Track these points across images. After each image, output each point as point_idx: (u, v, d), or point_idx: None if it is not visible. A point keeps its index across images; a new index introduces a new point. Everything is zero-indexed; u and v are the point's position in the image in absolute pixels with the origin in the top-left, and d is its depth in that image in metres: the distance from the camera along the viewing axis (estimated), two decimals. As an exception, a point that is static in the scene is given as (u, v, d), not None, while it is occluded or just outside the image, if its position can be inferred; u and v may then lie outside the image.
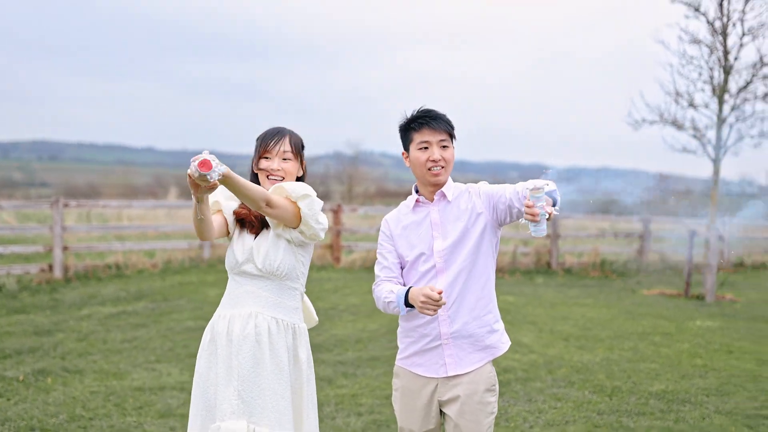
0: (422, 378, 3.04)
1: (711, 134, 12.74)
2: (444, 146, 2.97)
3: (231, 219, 3.07)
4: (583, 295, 11.46)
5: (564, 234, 15.46)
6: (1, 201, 13.82)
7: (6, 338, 7.36)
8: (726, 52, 12.30)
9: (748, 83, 12.39)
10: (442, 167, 2.97)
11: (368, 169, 39.85)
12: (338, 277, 12.16)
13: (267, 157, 3.02)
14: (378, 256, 3.12)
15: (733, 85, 12.51)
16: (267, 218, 2.94)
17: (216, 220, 2.99)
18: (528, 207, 2.60)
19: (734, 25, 12.23)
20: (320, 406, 5.29)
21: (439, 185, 3.01)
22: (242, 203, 3.07)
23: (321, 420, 5.01)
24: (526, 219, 2.65)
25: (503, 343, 3.08)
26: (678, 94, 12.92)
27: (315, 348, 2.97)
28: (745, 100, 12.53)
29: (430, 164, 2.96)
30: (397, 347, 3.18)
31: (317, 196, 2.98)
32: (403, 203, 3.14)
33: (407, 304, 2.88)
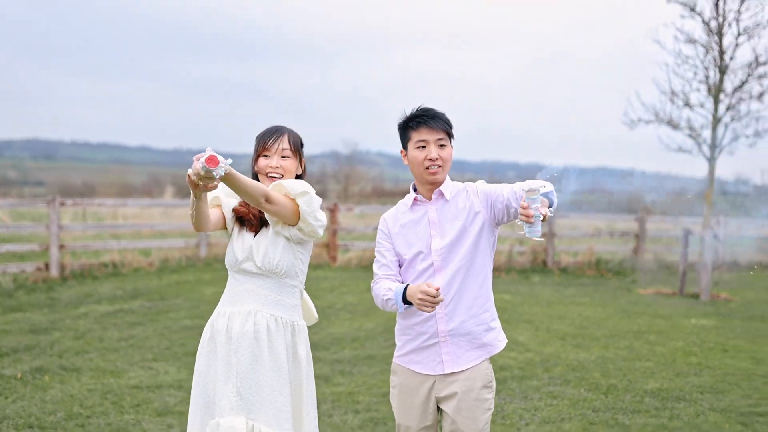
0: (420, 375, 3.06)
1: (706, 134, 12.79)
2: (442, 145, 2.99)
3: (230, 216, 3.09)
4: (579, 293, 11.50)
5: (560, 233, 15.50)
6: (-3, 199, 13.81)
7: (3, 336, 7.36)
8: (721, 52, 12.35)
9: (743, 83, 12.44)
10: (440, 166, 2.99)
11: (364, 168, 39.83)
12: (335, 276, 12.18)
13: (266, 155, 3.04)
14: (376, 254, 3.14)
15: (728, 85, 12.56)
16: (266, 216, 2.96)
17: (213, 213, 3.02)
18: (523, 208, 2.62)
19: (730, 24, 12.27)
20: (318, 404, 5.30)
21: (436, 184, 3.03)
22: (242, 201, 3.09)
23: (318, 418, 5.02)
24: (521, 220, 2.66)
25: (500, 341, 3.10)
26: (674, 93, 12.96)
27: (312, 346, 2.98)
28: (741, 99, 12.57)
29: (427, 163, 2.98)
30: (393, 345, 3.20)
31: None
32: (401, 202, 3.16)
33: (405, 301, 2.90)
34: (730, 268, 14.80)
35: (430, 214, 3.04)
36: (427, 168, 2.98)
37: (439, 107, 3.04)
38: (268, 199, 2.81)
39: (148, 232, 15.36)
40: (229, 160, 2.60)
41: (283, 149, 3.04)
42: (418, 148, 3.00)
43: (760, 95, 12.50)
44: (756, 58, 12.30)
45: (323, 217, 2.98)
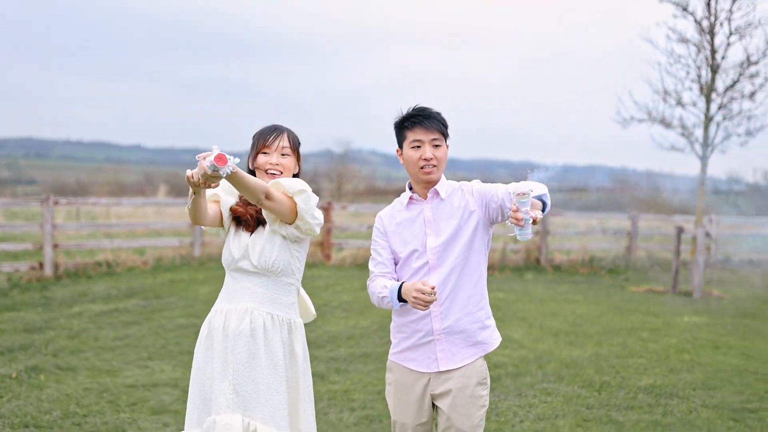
0: (415, 372, 3.09)
1: (699, 132, 12.87)
2: (436, 145, 3.02)
3: (227, 215, 3.12)
4: (572, 291, 11.55)
5: (553, 231, 15.56)
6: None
7: (-2, 336, 7.36)
8: (713, 51, 12.42)
9: (735, 82, 12.52)
10: (434, 166, 3.01)
11: (357, 167, 39.87)
12: (329, 275, 12.20)
13: (266, 152, 3.07)
14: (372, 252, 3.16)
15: (720, 84, 12.64)
16: (263, 214, 2.99)
17: (211, 209, 3.05)
18: (513, 211, 2.64)
19: (721, 24, 12.35)
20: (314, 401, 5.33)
21: (431, 183, 3.05)
22: (238, 201, 3.12)
23: (315, 415, 5.05)
24: (511, 223, 2.69)
25: (494, 339, 3.13)
26: (666, 92, 13.03)
27: (308, 345, 3.01)
28: (732, 98, 12.66)
29: (422, 163, 3.00)
30: (389, 343, 3.23)
31: None
32: (397, 200, 3.18)
33: (400, 299, 2.93)
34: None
35: (425, 213, 3.07)
36: (422, 168, 3.01)
37: (432, 106, 3.07)
38: (268, 196, 2.83)
39: (142, 231, 15.35)
40: (237, 159, 2.63)
41: (283, 147, 3.07)
42: (413, 147, 3.02)
43: (752, 94, 12.59)
44: (747, 58, 12.38)
45: (320, 215, 3.01)
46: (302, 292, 3.22)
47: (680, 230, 12.16)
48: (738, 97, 12.64)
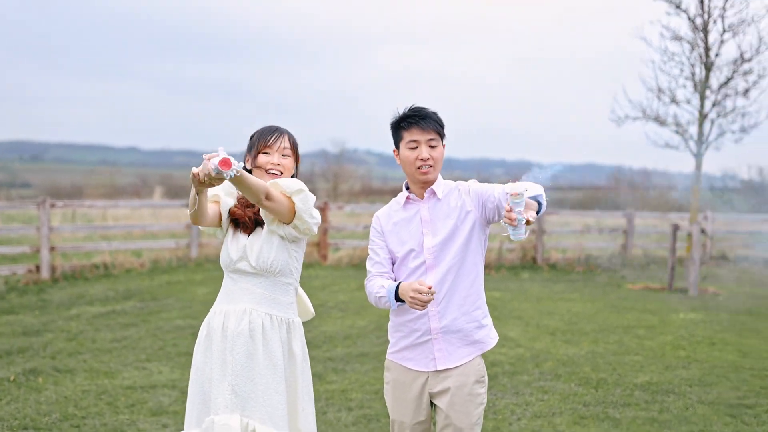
0: (413, 371, 3.10)
1: (693, 130, 12.90)
2: (433, 145, 3.03)
3: (226, 216, 3.14)
4: (568, 289, 11.58)
5: (549, 230, 15.59)
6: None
7: (-5, 339, 7.36)
8: (707, 49, 12.46)
9: (729, 79, 12.55)
10: (431, 166, 3.03)
11: (353, 167, 39.89)
12: (326, 275, 12.22)
13: (267, 153, 3.09)
14: (369, 251, 3.18)
15: (714, 81, 12.67)
16: (261, 214, 3.01)
17: (211, 209, 3.07)
18: (507, 211, 2.66)
19: (715, 21, 12.38)
20: (311, 401, 5.35)
21: (428, 183, 3.07)
22: (237, 203, 3.14)
23: (312, 415, 5.07)
24: (504, 223, 2.70)
25: (491, 338, 3.15)
26: (660, 90, 13.06)
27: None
28: (726, 95, 12.68)
29: (419, 163, 3.02)
30: (386, 342, 3.25)
31: None
32: (394, 200, 3.20)
33: (398, 299, 2.95)
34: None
35: (422, 213, 3.08)
36: (418, 168, 3.02)
37: (428, 105, 3.09)
38: (268, 197, 2.86)
39: (139, 233, 15.35)
40: (241, 164, 2.65)
41: (284, 148, 3.10)
42: (409, 147, 3.04)
43: (746, 91, 12.62)
44: (741, 55, 12.41)
45: (318, 215, 3.03)
46: (300, 291, 3.24)
47: (676, 227, 12.20)
48: (732, 94, 12.66)
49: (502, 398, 5.65)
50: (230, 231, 3.13)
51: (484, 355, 3.15)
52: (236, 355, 2.96)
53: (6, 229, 12.59)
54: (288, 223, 2.99)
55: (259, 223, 3.08)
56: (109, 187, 30.83)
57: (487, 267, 13.60)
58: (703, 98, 12.63)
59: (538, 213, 2.82)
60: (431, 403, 3.12)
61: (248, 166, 3.14)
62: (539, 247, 14.89)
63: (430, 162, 3.02)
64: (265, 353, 2.98)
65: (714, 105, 12.67)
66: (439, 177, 3.11)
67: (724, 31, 12.37)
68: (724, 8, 12.29)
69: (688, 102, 12.89)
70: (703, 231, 12.32)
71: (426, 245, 3.04)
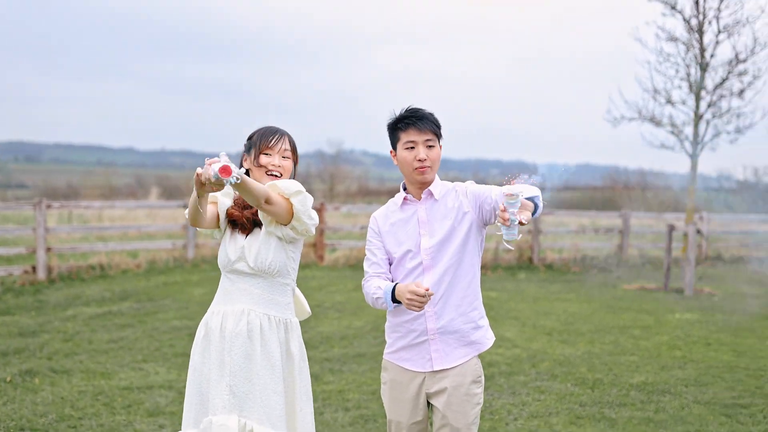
0: (410, 372, 3.11)
1: (688, 130, 12.94)
2: (430, 146, 3.04)
3: (224, 217, 3.15)
4: (564, 290, 11.60)
5: (545, 230, 15.62)
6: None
7: (-9, 340, 7.36)
8: (702, 50, 12.50)
9: (724, 80, 12.60)
10: (428, 167, 3.03)
11: (349, 167, 39.92)
12: (322, 275, 12.23)
13: (268, 154, 3.09)
14: (367, 252, 3.19)
15: (709, 82, 12.71)
16: (260, 215, 3.02)
17: (210, 210, 3.07)
18: (501, 211, 2.67)
19: (710, 22, 12.43)
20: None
21: (425, 184, 3.08)
22: (234, 204, 3.15)
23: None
24: (498, 222, 2.71)
25: (488, 338, 3.15)
26: (656, 91, 13.10)
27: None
28: (722, 96, 12.73)
29: (416, 164, 3.02)
30: (382, 343, 3.26)
31: None
32: (391, 200, 3.20)
33: (395, 300, 2.96)
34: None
35: (419, 214, 3.09)
36: (416, 169, 3.03)
37: (424, 106, 3.09)
38: (268, 201, 2.87)
39: (135, 234, 15.35)
40: (242, 169, 2.66)
41: (284, 150, 3.11)
42: (407, 148, 3.04)
43: (741, 92, 12.67)
44: (736, 56, 12.46)
45: (316, 216, 3.04)
46: (296, 290, 3.25)
47: (671, 228, 12.23)
48: (727, 94, 12.72)
49: (498, 398, 5.66)
50: (228, 232, 3.13)
51: (480, 356, 3.16)
52: (234, 356, 2.96)
53: (2, 230, 12.57)
54: (286, 224, 3.00)
55: (257, 224, 3.09)
56: (106, 188, 30.79)
57: (483, 267, 13.62)
58: (698, 99, 12.68)
59: (534, 214, 2.83)
60: (428, 403, 3.13)
61: (247, 166, 3.15)
62: (535, 247, 14.91)
63: (428, 163, 3.03)
64: (263, 354, 2.99)
65: (709, 106, 12.71)
66: (437, 178, 3.12)
67: (719, 32, 12.41)
68: (719, 9, 12.33)
69: (684, 103, 12.94)
70: (698, 231, 12.35)
71: (423, 246, 3.05)
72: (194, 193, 2.85)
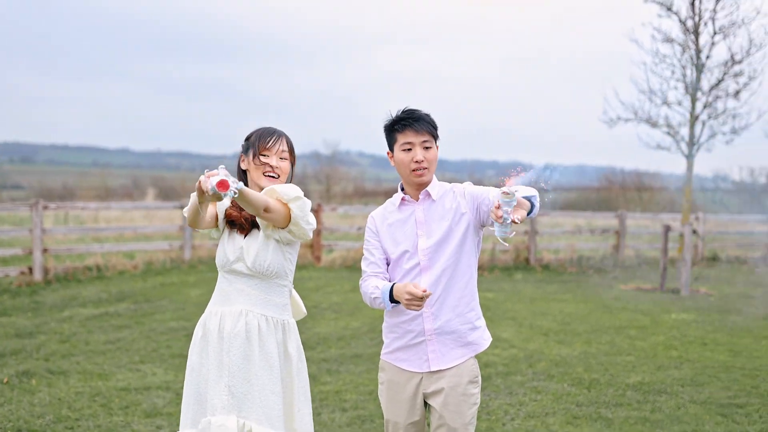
0: (407, 372, 3.12)
1: (684, 131, 12.98)
2: (427, 147, 3.05)
3: (222, 216, 3.15)
4: (561, 290, 11.63)
5: (541, 231, 15.64)
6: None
7: (-12, 341, 7.35)
8: (698, 51, 12.54)
9: (719, 81, 12.63)
10: (426, 168, 3.04)
11: (346, 168, 39.94)
12: (319, 276, 12.23)
13: (265, 155, 3.09)
14: (365, 251, 3.19)
15: (705, 83, 12.75)
16: (257, 219, 3.02)
17: (208, 210, 3.08)
18: (495, 208, 2.67)
19: (705, 24, 12.47)
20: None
21: (423, 185, 3.09)
22: (232, 204, 3.15)
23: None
24: (492, 218, 2.71)
25: (485, 339, 3.16)
26: (652, 92, 13.14)
27: (299, 346, 3.12)
28: (717, 97, 12.77)
29: (413, 165, 3.03)
30: (379, 344, 3.26)
31: None
32: (389, 201, 3.20)
33: (392, 300, 2.96)
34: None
35: (417, 214, 3.10)
36: (413, 170, 3.03)
37: (420, 107, 3.10)
38: (267, 210, 2.87)
39: (131, 235, 15.34)
40: (240, 184, 2.67)
41: (282, 151, 3.11)
42: (403, 150, 3.05)
43: (736, 93, 12.71)
44: (732, 57, 12.50)
45: (314, 221, 3.04)
46: (293, 291, 3.25)
47: (667, 228, 12.26)
48: (723, 95, 12.76)
49: (495, 399, 5.67)
50: (226, 231, 3.13)
51: (477, 356, 3.17)
52: (233, 356, 2.97)
53: (-2, 231, 12.56)
54: (283, 228, 3.00)
55: (255, 224, 3.10)
56: (101, 189, 30.72)
57: (480, 268, 13.63)
58: (694, 100, 12.71)
59: (530, 213, 2.83)
60: (425, 403, 3.14)
61: (244, 167, 3.15)
62: (532, 247, 14.94)
63: (425, 164, 3.03)
64: (262, 354, 2.99)
65: (705, 107, 12.75)
66: (434, 179, 3.13)
67: (715, 33, 12.46)
68: (714, 11, 12.38)
69: (680, 104, 12.98)
70: (694, 232, 12.38)
71: (420, 247, 3.06)
72: (195, 198, 2.86)
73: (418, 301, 2.81)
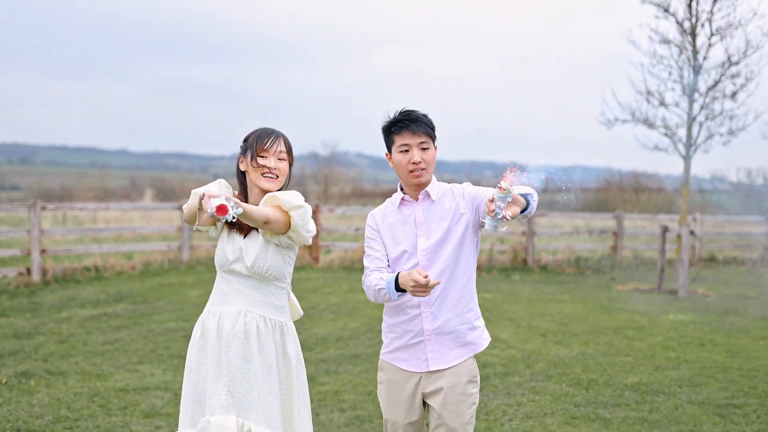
0: (406, 372, 3.13)
1: (682, 132, 12.99)
2: (424, 148, 3.05)
3: None
4: (559, 291, 11.64)
5: (539, 232, 15.66)
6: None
7: (-14, 342, 7.35)
8: (695, 52, 12.55)
9: (716, 82, 12.65)
10: (423, 169, 3.05)
11: (344, 169, 39.94)
12: (317, 277, 12.24)
13: (264, 156, 3.09)
14: (366, 249, 3.19)
15: (702, 84, 12.76)
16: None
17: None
18: (489, 201, 2.68)
19: (703, 25, 12.48)
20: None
21: (421, 186, 3.10)
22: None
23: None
24: (484, 210, 2.72)
25: (483, 339, 3.17)
26: (649, 93, 13.15)
27: (297, 346, 3.13)
28: (714, 98, 12.78)
29: (411, 167, 3.04)
30: (378, 344, 3.28)
31: None
32: (389, 200, 3.21)
33: (398, 289, 2.97)
34: None
35: (416, 215, 3.11)
36: (411, 171, 3.04)
37: (421, 107, 3.11)
38: (267, 222, 2.88)
39: (130, 236, 15.34)
40: (239, 210, 2.68)
41: (280, 151, 3.10)
42: (401, 151, 3.06)
43: (734, 94, 12.72)
44: (729, 58, 12.51)
45: (313, 227, 3.04)
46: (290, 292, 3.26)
47: (665, 229, 12.28)
48: (720, 97, 12.77)
49: (493, 399, 5.69)
50: (225, 231, 3.14)
51: (475, 356, 3.18)
52: (231, 357, 2.97)
53: (-4, 232, 12.56)
54: (283, 234, 3.01)
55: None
56: (100, 190, 30.72)
57: (478, 268, 13.63)
58: (691, 101, 12.73)
59: (525, 211, 2.84)
60: (424, 403, 3.15)
61: (243, 168, 3.15)
62: (530, 248, 14.95)
63: (423, 165, 3.04)
64: (260, 355, 3.00)
65: (702, 108, 12.76)
66: (434, 179, 3.14)
67: (712, 34, 12.47)
68: (711, 12, 12.39)
69: (677, 105, 12.99)
70: (692, 233, 12.40)
71: (420, 247, 3.07)
72: (196, 202, 2.86)
73: (422, 288, 2.82)
